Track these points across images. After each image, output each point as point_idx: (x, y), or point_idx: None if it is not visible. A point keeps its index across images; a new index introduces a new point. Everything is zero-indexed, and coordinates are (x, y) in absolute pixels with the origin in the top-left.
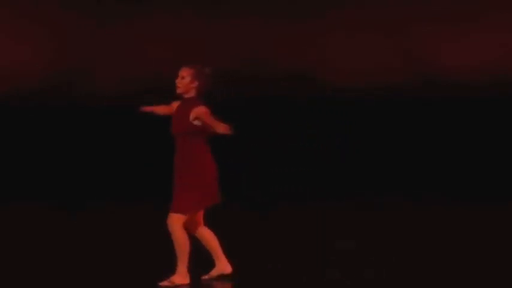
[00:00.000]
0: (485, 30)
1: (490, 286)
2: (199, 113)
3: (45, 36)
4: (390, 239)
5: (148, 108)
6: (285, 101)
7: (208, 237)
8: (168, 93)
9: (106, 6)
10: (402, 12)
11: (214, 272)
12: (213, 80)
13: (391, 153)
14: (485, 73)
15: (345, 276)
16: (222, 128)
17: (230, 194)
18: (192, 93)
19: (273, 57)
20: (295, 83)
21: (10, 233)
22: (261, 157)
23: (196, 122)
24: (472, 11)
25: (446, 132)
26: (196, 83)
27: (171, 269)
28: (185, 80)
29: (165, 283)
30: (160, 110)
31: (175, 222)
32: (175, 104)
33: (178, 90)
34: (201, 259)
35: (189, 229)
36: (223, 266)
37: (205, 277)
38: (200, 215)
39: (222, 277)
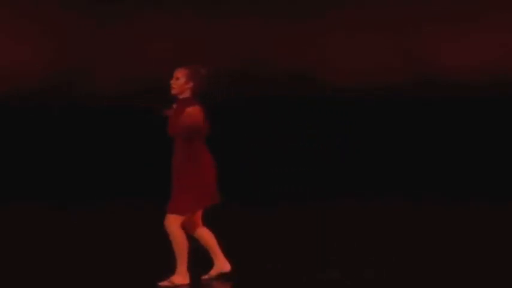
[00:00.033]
0: (485, 30)
1: (490, 286)
2: (184, 114)
3: (45, 36)
4: (390, 239)
5: (169, 112)
6: (285, 101)
7: (207, 236)
8: (169, 94)
9: (106, 6)
10: (402, 12)
11: (213, 272)
12: (209, 80)
13: (391, 153)
14: (485, 73)
15: (345, 276)
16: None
17: (230, 194)
18: (187, 94)
19: (273, 57)
20: (295, 83)
21: (10, 233)
22: (261, 157)
23: (195, 123)
24: (472, 11)
25: (446, 132)
26: (191, 84)
27: (171, 269)
28: (180, 81)
29: (165, 283)
30: None
31: (173, 223)
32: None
33: (173, 91)
34: (200, 259)
35: (187, 229)
36: (221, 264)
37: (205, 277)
38: (198, 215)
39: (221, 276)
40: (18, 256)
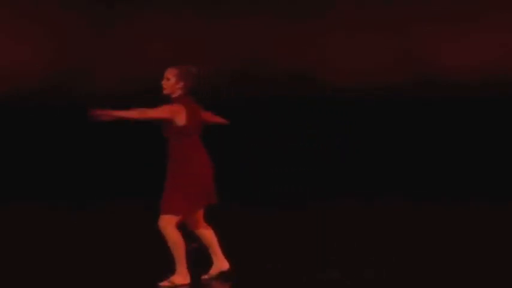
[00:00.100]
0: (485, 30)
1: (490, 286)
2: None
3: (45, 36)
4: (390, 239)
5: None
6: (285, 101)
7: (208, 235)
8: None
9: (106, 6)
10: (402, 12)
11: (213, 271)
12: (200, 79)
13: (391, 153)
14: (485, 73)
15: (345, 276)
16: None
17: (230, 194)
18: (178, 94)
19: (273, 57)
20: (295, 83)
21: (10, 233)
22: (261, 157)
23: (177, 122)
24: (472, 11)
25: (446, 132)
26: (181, 83)
27: (171, 269)
28: (170, 81)
29: (165, 283)
30: None
31: (167, 224)
32: None
33: (165, 92)
34: (200, 259)
35: (190, 226)
36: (221, 263)
37: (205, 277)
38: (200, 213)
39: (221, 276)
40: (18, 256)
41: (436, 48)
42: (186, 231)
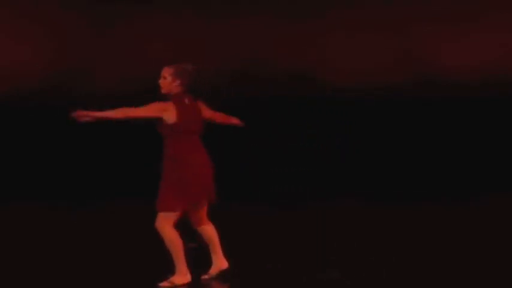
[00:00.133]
0: (485, 30)
1: (491, 285)
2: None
3: (45, 36)
4: (390, 239)
5: None
6: (285, 101)
7: (210, 233)
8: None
9: (106, 6)
10: (402, 12)
11: (212, 270)
12: (196, 76)
13: (391, 153)
14: (485, 73)
15: (345, 276)
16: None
17: (230, 194)
18: (175, 92)
19: (273, 57)
20: (295, 83)
21: (10, 233)
22: (261, 157)
23: (166, 120)
24: (472, 11)
25: (446, 132)
26: (178, 81)
27: (171, 269)
28: (167, 80)
29: (164, 284)
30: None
31: (163, 223)
32: None
33: (162, 91)
34: (200, 259)
35: (192, 223)
36: (220, 262)
37: (205, 277)
38: (203, 210)
39: (221, 275)
40: (18, 256)
41: (436, 48)
42: (185, 231)
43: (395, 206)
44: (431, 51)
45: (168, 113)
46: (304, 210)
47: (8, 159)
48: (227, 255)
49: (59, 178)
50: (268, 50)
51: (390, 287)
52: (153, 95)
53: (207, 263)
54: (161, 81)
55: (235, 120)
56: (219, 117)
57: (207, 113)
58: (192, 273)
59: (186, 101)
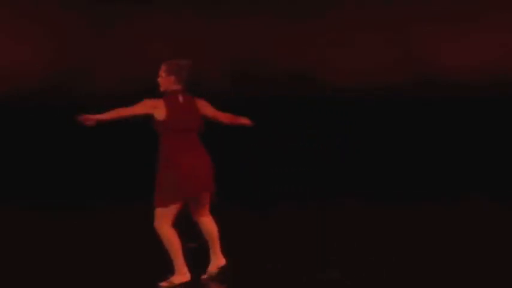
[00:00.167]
0: (485, 30)
1: (491, 285)
2: None
3: (45, 36)
4: (390, 239)
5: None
6: (285, 101)
7: (210, 228)
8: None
9: (106, 6)
10: (402, 12)
11: (211, 268)
12: (190, 71)
13: (391, 153)
14: (485, 73)
15: (345, 276)
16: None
17: (230, 194)
18: (171, 89)
19: (273, 57)
20: (295, 83)
21: (10, 233)
22: (261, 157)
23: (157, 117)
24: (472, 11)
25: (446, 132)
26: (172, 78)
27: (171, 269)
28: (162, 78)
29: (164, 284)
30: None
31: (159, 219)
32: None
33: (161, 89)
34: (199, 258)
35: (192, 215)
36: (217, 259)
37: (205, 276)
38: (205, 205)
39: (221, 276)
40: (17, 257)
41: (436, 48)
42: (184, 231)
43: (395, 206)
44: (431, 51)
45: (158, 110)
46: (304, 210)
47: (7, 159)
48: (227, 255)
49: (59, 178)
50: (268, 50)
51: (390, 287)
52: (153, 95)
53: (207, 262)
54: (159, 80)
55: (244, 120)
56: (226, 118)
57: (209, 111)
58: (191, 272)
59: (180, 98)
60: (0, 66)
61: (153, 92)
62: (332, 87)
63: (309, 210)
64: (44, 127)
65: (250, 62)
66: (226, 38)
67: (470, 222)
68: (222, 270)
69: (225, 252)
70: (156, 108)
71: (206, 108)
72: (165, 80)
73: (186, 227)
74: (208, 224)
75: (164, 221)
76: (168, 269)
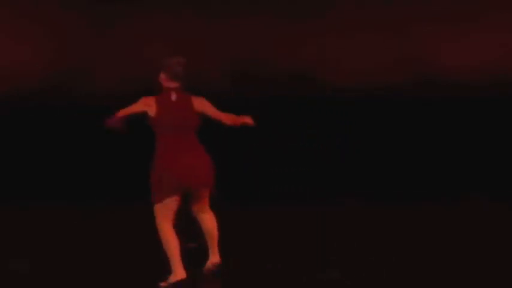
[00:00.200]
0: (485, 30)
1: (491, 285)
2: None
3: (45, 36)
4: (390, 239)
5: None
6: (285, 101)
7: (209, 222)
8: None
9: (106, 7)
10: (402, 12)
11: (208, 266)
12: (185, 68)
13: (391, 153)
14: (485, 73)
15: (345, 276)
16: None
17: (230, 194)
18: (166, 86)
19: (273, 57)
20: (295, 83)
21: (10, 233)
22: (261, 157)
23: (150, 115)
24: (472, 11)
25: (446, 132)
26: (163, 75)
27: (171, 270)
28: (159, 76)
29: (164, 284)
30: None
31: (158, 216)
32: None
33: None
34: (199, 258)
35: (192, 211)
36: (213, 257)
37: (203, 274)
38: (204, 199)
39: (221, 276)
40: (17, 257)
41: (436, 48)
42: (184, 231)
43: (395, 206)
44: (431, 51)
45: (150, 108)
46: (304, 210)
47: (7, 159)
48: (227, 255)
49: (59, 178)
50: (268, 50)
51: (390, 287)
52: (153, 95)
53: (205, 261)
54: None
55: (246, 120)
56: (228, 119)
57: (210, 112)
58: (191, 272)
59: (173, 96)
60: (0, 66)
61: (153, 92)
62: (332, 87)
63: (309, 210)
64: (44, 127)
65: (250, 62)
66: (226, 38)
67: (470, 222)
68: (217, 268)
69: (225, 252)
70: (149, 106)
71: (207, 108)
72: (160, 78)
73: (186, 227)
74: (208, 221)
75: (164, 219)
76: (168, 269)
